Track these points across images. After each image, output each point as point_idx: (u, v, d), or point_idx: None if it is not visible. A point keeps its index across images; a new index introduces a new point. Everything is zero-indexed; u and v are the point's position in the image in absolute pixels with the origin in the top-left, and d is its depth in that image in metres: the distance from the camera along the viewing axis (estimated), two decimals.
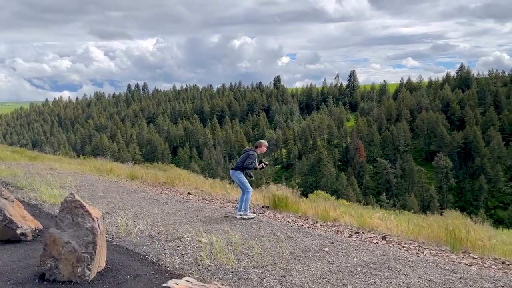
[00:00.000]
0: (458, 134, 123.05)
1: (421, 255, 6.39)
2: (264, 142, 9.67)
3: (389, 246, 7.03)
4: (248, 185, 9.36)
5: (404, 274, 5.40)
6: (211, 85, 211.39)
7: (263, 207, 11.81)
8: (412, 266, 5.78)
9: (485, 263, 6.13)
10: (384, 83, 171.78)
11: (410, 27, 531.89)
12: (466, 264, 6.05)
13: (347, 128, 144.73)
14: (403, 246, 7.05)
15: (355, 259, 6.14)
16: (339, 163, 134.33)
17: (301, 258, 6.19)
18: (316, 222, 9.72)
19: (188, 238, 7.50)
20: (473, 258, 6.51)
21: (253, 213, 9.76)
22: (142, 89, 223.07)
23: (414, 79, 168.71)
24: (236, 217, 9.33)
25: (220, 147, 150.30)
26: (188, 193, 13.85)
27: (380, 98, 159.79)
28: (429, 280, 5.18)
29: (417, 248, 7.09)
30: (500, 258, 6.58)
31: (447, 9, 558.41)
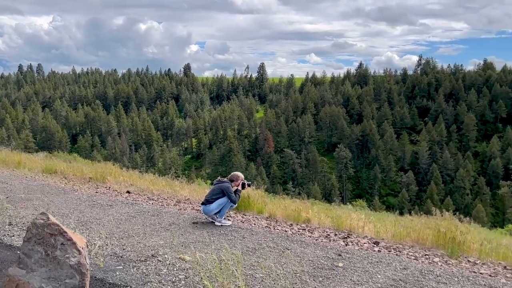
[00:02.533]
0: (356, 127, 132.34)
1: (443, 267, 5.88)
2: (241, 175, 8.45)
3: (397, 255, 6.44)
4: (229, 203, 8.08)
5: None
6: (115, 70, 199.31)
7: None
8: (446, 283, 5.20)
9: (507, 272, 5.82)
10: (291, 77, 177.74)
11: (313, 24, 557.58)
12: (490, 275, 5.66)
13: (256, 119, 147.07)
14: (411, 255, 6.52)
15: (379, 275, 5.42)
16: (249, 153, 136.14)
17: (321, 279, 5.27)
18: (291, 225, 8.87)
19: (167, 256, 6.13)
20: (489, 265, 6.19)
21: (229, 220, 8.56)
22: (36, 70, 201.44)
23: (318, 75, 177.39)
24: (215, 224, 8.07)
25: (126, 135, 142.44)
26: (128, 192, 12.06)
27: (288, 91, 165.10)
28: None
29: (423, 256, 6.61)
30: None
31: (346, 9, 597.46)
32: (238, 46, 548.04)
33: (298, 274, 5.37)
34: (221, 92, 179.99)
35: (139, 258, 5.99)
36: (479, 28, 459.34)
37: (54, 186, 11.79)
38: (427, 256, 6.61)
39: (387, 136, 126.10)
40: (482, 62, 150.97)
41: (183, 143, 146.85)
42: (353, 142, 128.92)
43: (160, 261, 5.92)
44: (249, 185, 8.53)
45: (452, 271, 5.65)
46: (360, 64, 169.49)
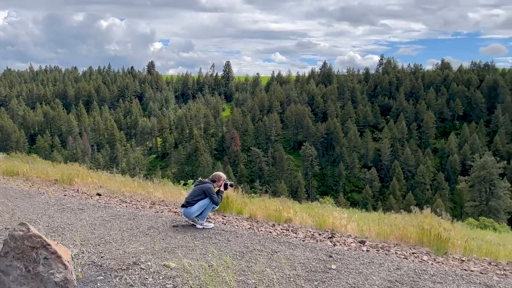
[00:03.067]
0: (321, 125, 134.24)
1: (435, 265, 5.84)
2: (223, 176, 8.15)
3: (387, 255, 6.37)
4: (211, 204, 7.77)
5: None
6: (75, 67, 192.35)
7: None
8: (441, 282, 5.15)
9: (497, 269, 5.85)
10: (257, 75, 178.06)
11: (278, 24, 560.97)
12: (481, 273, 5.67)
13: (223, 118, 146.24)
14: (401, 254, 6.47)
15: (373, 277, 5.30)
16: (215, 152, 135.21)
17: (317, 283, 5.09)
18: (274, 225, 8.67)
19: (150, 263, 5.76)
20: (476, 262, 6.22)
21: (210, 222, 8.24)
22: None
23: (284, 73, 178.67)
24: (197, 227, 7.73)
25: (87, 135, 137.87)
26: (98, 194, 11.47)
27: (254, 90, 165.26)
28: None
29: (411, 254, 6.57)
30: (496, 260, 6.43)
31: (310, 9, 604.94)
32: (203, 44, 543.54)
33: (292, 279, 5.16)
34: (186, 90, 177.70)
35: (120, 267, 5.60)
36: (436, 29, 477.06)
37: (18, 189, 11.04)
38: (415, 254, 6.59)
39: (351, 134, 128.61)
40: (439, 62, 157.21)
41: (147, 143, 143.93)
42: (318, 140, 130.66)
43: (143, 269, 5.55)
44: (231, 186, 8.25)
45: (445, 270, 5.62)
46: (324, 63, 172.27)
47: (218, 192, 7.92)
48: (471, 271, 5.67)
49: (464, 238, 7.28)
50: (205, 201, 7.69)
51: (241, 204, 9.82)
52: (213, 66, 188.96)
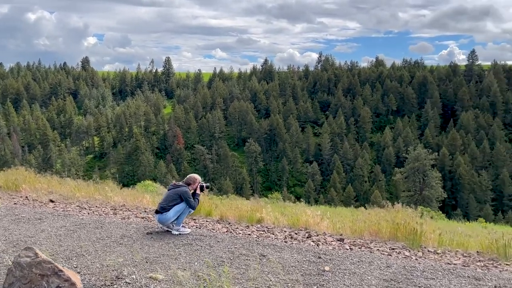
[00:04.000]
0: (264, 121, 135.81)
1: (421, 261, 6.01)
2: (198, 177, 7.80)
3: (371, 253, 6.47)
4: (188, 208, 7.43)
5: None
6: (1, 63, 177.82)
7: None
8: (433, 278, 5.29)
9: (473, 261, 6.14)
10: (199, 72, 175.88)
11: (218, 20, 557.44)
12: (463, 266, 5.93)
13: (164, 115, 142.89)
14: (384, 251, 6.61)
15: (368, 277, 5.35)
16: (157, 151, 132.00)
17: (316, 287, 4.99)
18: (248, 226, 8.53)
19: (134, 276, 5.38)
20: (452, 254, 6.50)
21: (185, 227, 7.89)
22: None
23: (226, 70, 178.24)
24: (173, 233, 7.37)
25: (17, 135, 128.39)
26: (51, 201, 10.62)
27: (196, 87, 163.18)
28: None
29: (392, 250, 6.74)
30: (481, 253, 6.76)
31: (248, 6, 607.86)
32: (141, 40, 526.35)
33: (290, 284, 5.05)
34: (124, 87, 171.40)
35: (103, 283, 5.15)
36: (370, 27, 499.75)
37: None
38: (396, 250, 6.76)
39: (293, 129, 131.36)
40: (374, 60, 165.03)
41: (83, 142, 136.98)
42: (261, 136, 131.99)
43: (129, 283, 5.16)
44: (207, 187, 7.96)
45: (431, 265, 5.81)
46: (266, 60, 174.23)
47: (194, 195, 7.61)
48: (455, 264, 5.91)
49: (435, 231, 7.60)
50: (181, 206, 7.36)
51: (210, 206, 9.56)
52: (152, 62, 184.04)
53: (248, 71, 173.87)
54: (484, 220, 43.25)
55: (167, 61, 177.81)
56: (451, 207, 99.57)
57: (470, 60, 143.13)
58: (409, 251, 6.73)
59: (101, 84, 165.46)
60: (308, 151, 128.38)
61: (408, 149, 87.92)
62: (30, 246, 2.75)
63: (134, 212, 9.70)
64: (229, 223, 8.86)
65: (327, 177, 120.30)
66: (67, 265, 5.77)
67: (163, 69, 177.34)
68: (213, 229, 7.95)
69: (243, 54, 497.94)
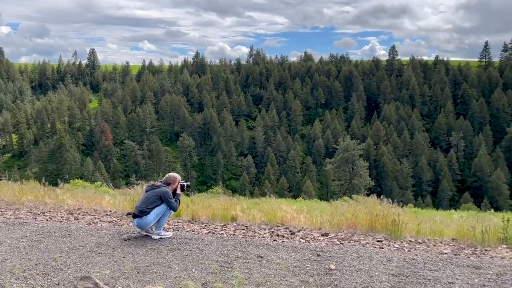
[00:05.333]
0: (198, 115, 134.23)
1: (417, 252, 6.19)
2: (178, 176, 7.34)
3: (363, 247, 6.57)
4: (169, 210, 6.98)
5: (452, 282, 4.96)
6: None
7: (128, 214, 9.28)
8: (437, 269, 5.46)
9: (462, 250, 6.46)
10: (127, 64, 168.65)
11: (144, 11, 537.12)
12: (454, 254, 6.20)
13: (90, 110, 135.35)
14: (375, 245, 6.76)
15: (375, 272, 5.39)
16: (84, 148, 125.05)
17: None
18: (225, 226, 8.28)
19: None
20: (445, 244, 6.80)
21: (167, 230, 7.43)
22: None
23: (156, 62, 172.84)
24: (153, 238, 6.89)
25: None
26: None
27: (124, 80, 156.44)
28: (483, 286, 4.91)
29: (380, 242, 6.90)
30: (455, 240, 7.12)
31: None
32: (61, 30, 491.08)
33: (302, 287, 4.92)
34: (44, 80, 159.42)
35: None
36: (297, 22, 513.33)
37: None
38: (384, 242, 6.92)
39: (227, 123, 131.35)
40: (303, 54, 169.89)
41: (0, 140, 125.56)
42: (195, 130, 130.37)
43: None
44: (188, 186, 7.54)
45: (429, 256, 6.01)
46: (197, 53, 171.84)
47: (174, 195, 7.16)
48: (446, 253, 6.18)
49: (411, 221, 7.93)
50: (162, 208, 6.90)
51: (180, 205, 9.13)
52: (75, 53, 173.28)
53: (179, 64, 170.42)
54: (413, 205, 46.49)
55: (92, 53, 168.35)
56: (377, 194, 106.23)
57: (391, 55, 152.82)
58: (394, 242, 6.93)
59: (18, 77, 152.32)
60: (243, 145, 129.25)
61: (338, 140, 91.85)
62: (88, 275, 2.32)
63: (96, 216, 8.98)
64: (202, 223, 8.53)
65: (261, 169, 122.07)
66: (46, 282, 5.15)
67: (88, 61, 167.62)
68: (193, 231, 7.59)
69: (172, 46, 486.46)
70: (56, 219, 8.45)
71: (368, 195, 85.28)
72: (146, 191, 7.14)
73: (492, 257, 5.99)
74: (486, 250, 6.42)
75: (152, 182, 7.41)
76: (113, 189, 15.21)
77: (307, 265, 5.58)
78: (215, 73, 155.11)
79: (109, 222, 8.32)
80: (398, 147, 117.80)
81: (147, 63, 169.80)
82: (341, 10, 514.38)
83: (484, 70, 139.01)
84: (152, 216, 6.82)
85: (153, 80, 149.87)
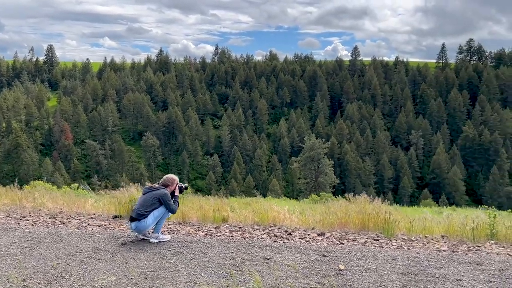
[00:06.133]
0: (162, 114, 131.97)
1: (418, 250, 6.38)
2: (176, 178, 7.20)
3: (364, 246, 6.71)
4: (167, 213, 6.84)
5: (459, 279, 5.15)
6: None
7: (115, 217, 9.05)
8: (442, 267, 5.65)
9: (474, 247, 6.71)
10: (87, 61, 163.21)
11: (105, 6, 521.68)
12: (453, 251, 6.44)
13: (48, 108, 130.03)
14: (375, 244, 6.89)
15: (384, 271, 5.51)
16: (42, 147, 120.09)
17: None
18: (217, 227, 8.22)
19: None
20: (438, 241, 7.03)
21: (164, 233, 7.27)
22: None
23: (118, 60, 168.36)
24: (151, 242, 6.71)
25: None
26: None
27: (84, 77, 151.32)
28: (489, 282, 5.11)
29: (373, 240, 7.05)
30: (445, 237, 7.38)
31: None
32: (16, 25, 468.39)
33: None
34: None
35: None
36: (261, 22, 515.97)
37: None
38: (381, 241, 7.08)
39: (192, 122, 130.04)
40: (268, 53, 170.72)
41: None
42: (160, 129, 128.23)
43: None
44: (186, 188, 7.41)
45: (430, 254, 6.21)
46: (161, 50, 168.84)
47: (173, 197, 7.02)
48: (444, 251, 6.42)
49: (403, 219, 8.17)
50: (161, 211, 6.75)
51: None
52: (32, 49, 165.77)
53: (142, 62, 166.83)
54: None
55: (50, 49, 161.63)
56: (341, 191, 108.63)
57: (353, 56, 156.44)
58: (390, 240, 7.12)
59: None
60: (208, 144, 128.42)
61: (304, 139, 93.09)
62: None
63: (82, 220, 8.66)
64: (194, 225, 8.43)
65: (227, 168, 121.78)
66: None
67: (45, 57, 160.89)
68: (189, 233, 7.47)
69: (134, 43, 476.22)
70: (40, 224, 8.08)
71: (333, 193, 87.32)
72: (143, 194, 6.95)
73: (488, 253, 6.28)
74: (477, 246, 6.73)
75: (149, 184, 7.23)
76: (89, 191, 14.69)
77: (315, 266, 5.64)
78: (179, 71, 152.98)
79: (99, 226, 8.05)
80: (360, 145, 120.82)
81: (108, 60, 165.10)
82: (305, 10, 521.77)
83: (441, 71, 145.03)
84: (150, 219, 6.66)
85: (115, 77, 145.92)
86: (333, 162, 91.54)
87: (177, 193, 7.09)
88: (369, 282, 5.08)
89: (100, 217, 9.16)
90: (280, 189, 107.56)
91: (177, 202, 7.00)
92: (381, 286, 4.93)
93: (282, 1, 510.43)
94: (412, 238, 7.32)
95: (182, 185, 7.27)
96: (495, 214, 7.22)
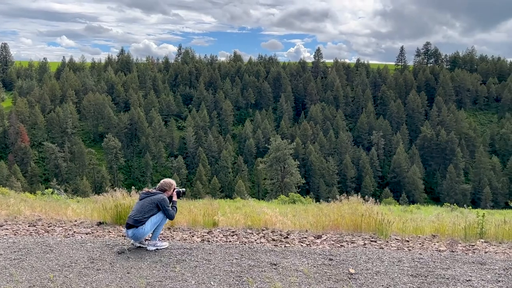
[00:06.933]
0: (124, 115, 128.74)
1: (420, 251, 6.48)
2: (173, 182, 6.99)
3: (365, 248, 6.76)
4: (165, 219, 6.61)
5: (469, 280, 5.27)
6: None
7: (99, 223, 8.69)
8: (448, 268, 5.76)
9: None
10: (44, 60, 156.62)
11: (63, 4, 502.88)
12: (451, 251, 6.59)
13: (3, 109, 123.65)
14: (374, 246, 6.96)
15: (395, 274, 5.56)
16: None
17: None
18: (210, 232, 8.04)
19: None
20: (437, 242, 7.18)
21: (164, 240, 7.01)
22: None
23: (77, 59, 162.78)
24: (148, 249, 6.46)
25: None
26: None
27: (41, 77, 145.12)
28: (498, 281, 5.23)
29: (371, 242, 7.12)
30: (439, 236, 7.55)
31: None
32: None
33: None
34: None
35: None
36: (224, 23, 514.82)
37: None
38: (379, 242, 7.16)
39: (155, 123, 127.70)
40: (232, 54, 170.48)
41: None
42: (121, 130, 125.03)
43: None
44: (184, 193, 7.19)
45: (432, 254, 6.34)
46: (122, 50, 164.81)
47: (171, 202, 6.78)
48: (443, 250, 6.57)
49: (397, 219, 8.32)
50: (159, 217, 6.51)
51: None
52: None
53: (103, 61, 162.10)
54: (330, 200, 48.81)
55: (4, 48, 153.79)
56: (305, 191, 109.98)
57: (316, 58, 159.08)
58: (387, 241, 7.23)
59: None
60: (173, 145, 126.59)
61: (270, 139, 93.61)
62: None
63: (65, 228, 8.23)
64: (184, 230, 8.21)
65: (192, 170, 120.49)
66: None
67: None
68: (185, 240, 7.27)
69: (93, 43, 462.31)
70: (23, 233, 7.60)
71: (298, 192, 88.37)
72: (140, 199, 6.69)
73: (487, 252, 6.49)
74: (471, 245, 6.95)
75: (146, 189, 6.96)
76: (65, 196, 14.03)
77: (325, 270, 5.61)
78: (142, 71, 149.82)
79: (86, 234, 7.68)
80: (324, 146, 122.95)
81: (67, 59, 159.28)
82: (267, 12, 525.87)
83: (400, 73, 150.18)
84: (148, 226, 6.41)
85: (74, 77, 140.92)
86: (298, 163, 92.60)
87: (174, 198, 6.88)
88: (382, 285, 5.11)
89: (83, 224, 8.76)
90: (246, 190, 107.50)
91: (175, 207, 6.79)
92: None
93: (245, 2, 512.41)
94: (406, 239, 7.47)
95: (180, 189, 7.07)
96: (483, 213, 7.49)
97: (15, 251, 6.37)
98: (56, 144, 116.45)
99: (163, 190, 6.78)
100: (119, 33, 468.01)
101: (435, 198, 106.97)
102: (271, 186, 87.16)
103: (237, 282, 5.19)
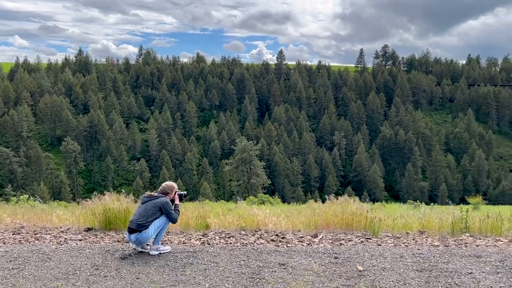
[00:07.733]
0: (83, 118, 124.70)
1: (420, 247, 6.76)
2: (175, 185, 6.92)
3: (365, 245, 6.98)
4: (168, 222, 6.54)
5: (471, 272, 5.56)
6: None
7: (88, 229, 8.48)
8: (449, 262, 6.05)
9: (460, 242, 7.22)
10: None
11: (15, 3, 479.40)
12: (445, 246, 6.93)
13: None
14: (373, 242, 7.17)
15: (401, 270, 5.77)
16: None
17: None
18: (205, 234, 8.05)
19: None
20: (418, 237, 7.51)
21: (166, 244, 6.92)
22: None
23: (32, 60, 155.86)
24: (151, 254, 6.37)
25: None
26: None
27: None
28: (497, 273, 5.55)
29: (366, 240, 7.37)
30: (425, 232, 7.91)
31: None
32: None
33: None
34: None
35: None
36: (186, 23, 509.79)
37: None
38: (375, 239, 7.42)
39: (116, 126, 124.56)
40: (194, 55, 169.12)
41: None
42: (81, 134, 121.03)
43: None
44: (186, 196, 7.13)
45: (429, 249, 6.65)
46: (80, 51, 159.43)
47: (174, 206, 6.73)
48: (437, 245, 6.90)
49: (386, 217, 8.63)
50: (162, 220, 6.45)
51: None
52: None
53: (60, 62, 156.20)
54: (314, 201, 49.69)
55: None
56: (271, 191, 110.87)
57: (279, 60, 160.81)
58: (382, 238, 7.50)
59: None
60: (135, 148, 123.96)
61: (235, 141, 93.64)
62: None
63: (53, 234, 7.95)
64: (177, 233, 8.16)
65: (156, 173, 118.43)
66: None
67: None
68: (184, 243, 7.22)
69: (49, 43, 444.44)
70: (11, 241, 7.28)
71: (264, 193, 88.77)
72: (142, 203, 6.59)
73: (478, 245, 6.89)
74: (459, 239, 7.35)
75: (148, 192, 6.87)
76: (40, 202, 13.49)
77: (334, 268, 5.77)
78: (101, 73, 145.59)
79: (80, 240, 7.46)
80: (288, 146, 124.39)
81: (21, 60, 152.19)
82: (229, 13, 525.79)
83: (360, 75, 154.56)
84: (152, 230, 6.33)
85: (29, 79, 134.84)
86: (264, 164, 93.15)
87: (177, 201, 6.83)
88: (392, 281, 5.31)
89: (70, 230, 8.50)
90: (211, 192, 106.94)
91: (178, 210, 6.75)
92: (405, 284, 5.20)
93: (207, 3, 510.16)
94: (397, 235, 7.79)
95: (182, 192, 7.03)
96: (467, 209, 7.94)
97: (11, 261, 6.11)
98: (10, 149, 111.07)
99: (165, 193, 6.73)
100: (75, 33, 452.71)
101: (395, 195, 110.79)
102: (237, 187, 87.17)
103: (251, 284, 5.25)
